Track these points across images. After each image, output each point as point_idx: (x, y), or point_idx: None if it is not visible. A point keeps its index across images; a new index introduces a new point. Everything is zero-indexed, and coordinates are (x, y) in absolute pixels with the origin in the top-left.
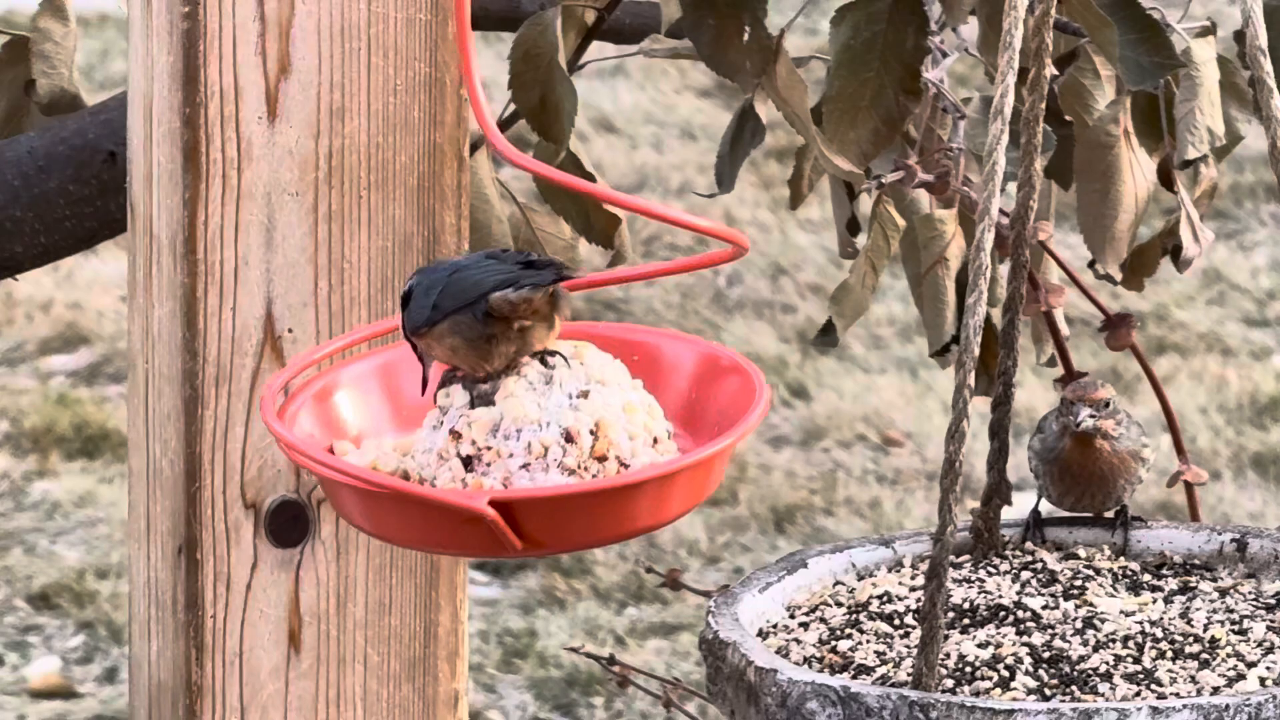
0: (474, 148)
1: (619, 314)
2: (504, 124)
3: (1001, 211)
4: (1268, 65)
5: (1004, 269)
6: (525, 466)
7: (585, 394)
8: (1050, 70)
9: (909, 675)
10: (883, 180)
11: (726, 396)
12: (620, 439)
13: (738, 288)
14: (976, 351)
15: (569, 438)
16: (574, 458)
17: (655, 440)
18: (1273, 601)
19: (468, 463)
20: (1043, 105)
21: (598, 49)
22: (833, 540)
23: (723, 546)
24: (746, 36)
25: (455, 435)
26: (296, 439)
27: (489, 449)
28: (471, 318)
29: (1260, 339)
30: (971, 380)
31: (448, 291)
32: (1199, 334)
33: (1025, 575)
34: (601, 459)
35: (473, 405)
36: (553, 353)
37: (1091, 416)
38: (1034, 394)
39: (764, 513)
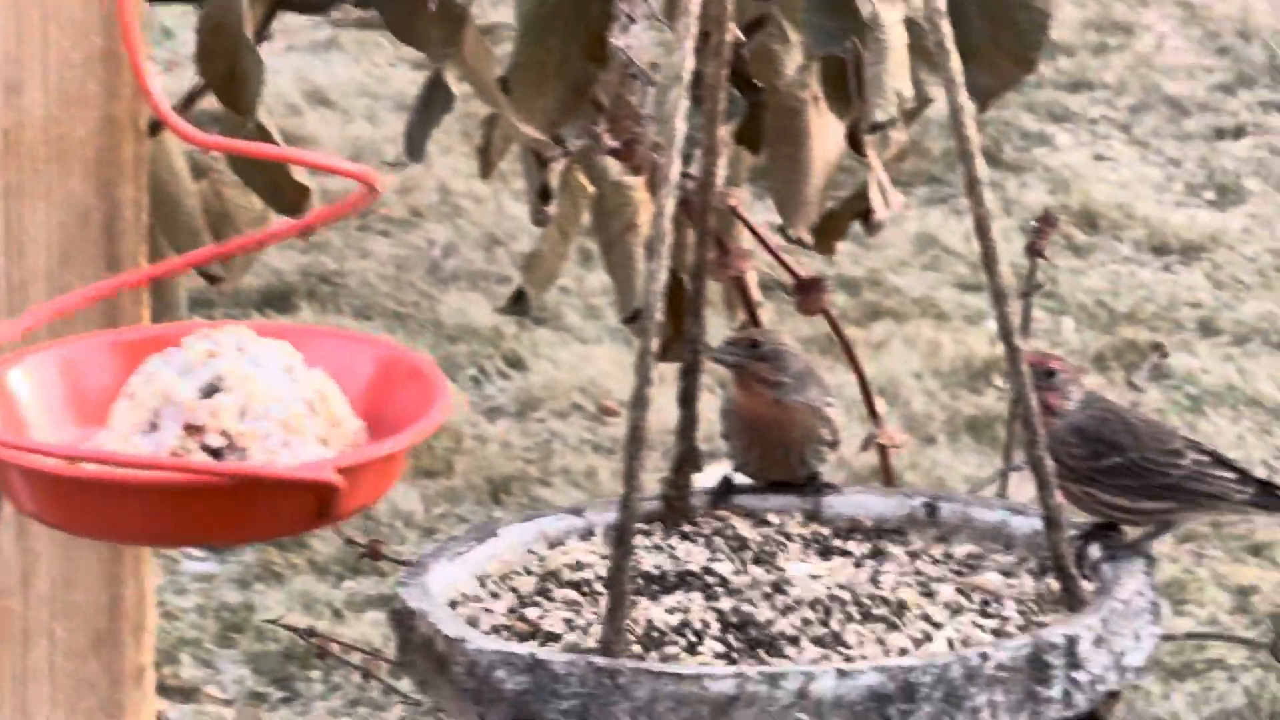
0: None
1: (333, 287)
2: (193, 96)
3: (692, 177)
4: (947, 28)
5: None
6: (286, 444)
7: (291, 368)
8: (737, 35)
9: (597, 642)
10: (569, 148)
11: (407, 396)
12: (338, 406)
13: (453, 259)
14: (660, 318)
15: (310, 409)
16: (321, 426)
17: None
18: (962, 564)
19: (217, 454)
20: (725, 71)
21: (289, 21)
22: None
23: (439, 518)
24: (434, 6)
25: (193, 429)
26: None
27: (242, 434)
28: None
29: (974, 303)
30: (655, 346)
31: None
32: (913, 299)
33: (717, 541)
34: (335, 425)
35: (206, 395)
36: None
37: (732, 353)
38: None
39: (480, 484)
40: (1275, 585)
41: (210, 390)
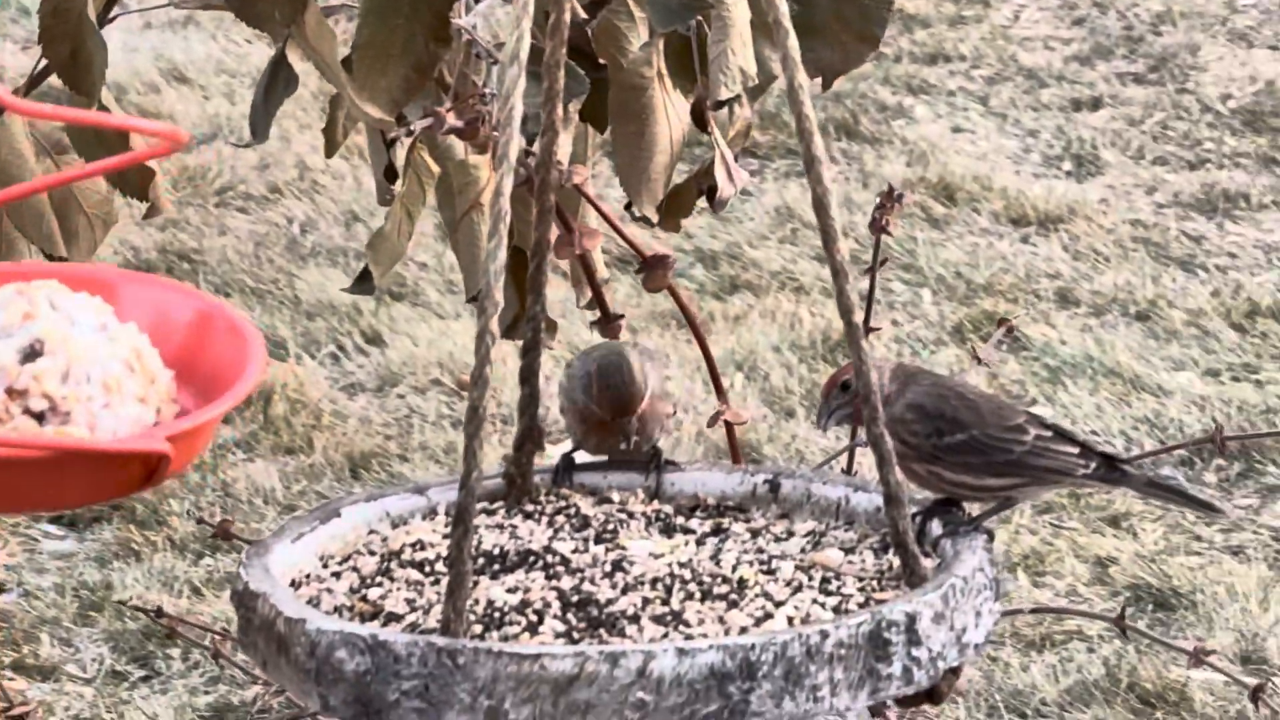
0: None
1: (192, 264)
2: (37, 78)
3: (535, 155)
4: (784, 5)
5: None
6: (107, 405)
7: (105, 326)
8: (578, 13)
9: (438, 622)
10: (412, 127)
11: (219, 350)
12: (153, 362)
13: (312, 235)
14: (499, 297)
15: (129, 368)
16: (139, 385)
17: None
18: (804, 541)
19: (40, 418)
20: (564, 50)
21: (135, 2)
22: None
23: (298, 495)
24: None
25: (14, 393)
26: None
27: (65, 397)
28: None
29: None
30: (494, 325)
31: None
32: (772, 272)
33: (558, 520)
34: (152, 381)
35: (27, 358)
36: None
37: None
38: (583, 336)
39: (339, 460)
40: (1133, 556)
41: (31, 353)
